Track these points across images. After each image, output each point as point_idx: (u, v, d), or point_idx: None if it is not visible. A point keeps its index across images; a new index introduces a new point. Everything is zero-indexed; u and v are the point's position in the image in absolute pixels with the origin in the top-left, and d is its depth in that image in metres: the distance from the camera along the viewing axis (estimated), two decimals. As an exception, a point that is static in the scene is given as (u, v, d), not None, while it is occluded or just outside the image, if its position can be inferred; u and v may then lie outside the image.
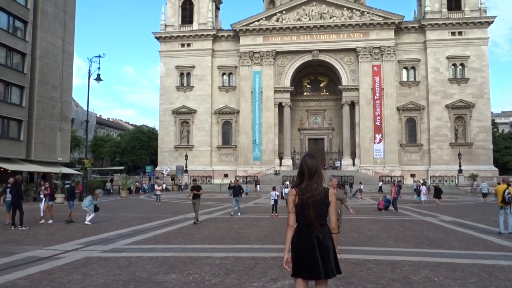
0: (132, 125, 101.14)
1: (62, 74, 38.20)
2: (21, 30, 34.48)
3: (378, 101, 57.24)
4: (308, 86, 66.58)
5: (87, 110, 35.66)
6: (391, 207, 22.89)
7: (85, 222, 16.07)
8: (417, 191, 32.97)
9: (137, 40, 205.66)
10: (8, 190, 16.02)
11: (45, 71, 36.24)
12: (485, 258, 9.28)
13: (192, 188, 17.47)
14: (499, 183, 18.86)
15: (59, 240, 11.83)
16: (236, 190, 20.23)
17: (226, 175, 58.73)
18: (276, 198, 19.59)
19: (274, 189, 20.37)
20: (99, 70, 32.58)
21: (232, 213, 19.55)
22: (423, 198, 29.35)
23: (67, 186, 27.34)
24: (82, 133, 72.52)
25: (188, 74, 62.33)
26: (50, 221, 16.71)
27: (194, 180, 19.23)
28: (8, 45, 32.71)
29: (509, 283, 7.21)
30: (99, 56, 32.36)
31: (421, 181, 39.26)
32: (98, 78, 32.84)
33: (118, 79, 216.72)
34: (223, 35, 62.18)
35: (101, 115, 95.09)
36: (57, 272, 7.51)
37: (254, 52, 59.63)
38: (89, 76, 32.88)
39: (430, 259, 9.01)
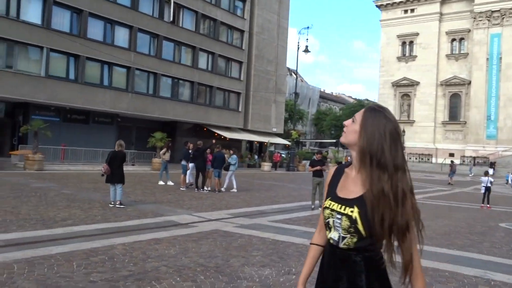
0: (354, 99, 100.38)
1: (277, 48, 39.68)
2: (240, 8, 37.00)
3: None
4: None
5: (295, 82, 36.18)
6: None
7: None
8: None
9: (362, 11, 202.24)
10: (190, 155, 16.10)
11: (261, 47, 38.25)
12: None
13: (313, 163, 12.37)
14: None
15: (218, 207, 11.64)
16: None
17: (451, 155, 52.19)
18: (490, 185, 15.52)
19: (486, 174, 16.20)
20: (307, 41, 32.45)
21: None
22: None
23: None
24: (306, 107, 75.94)
25: (411, 42, 57.33)
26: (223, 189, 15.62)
27: (319, 152, 13.27)
28: (229, 23, 35.54)
29: None
30: (307, 27, 32.21)
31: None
32: (306, 50, 32.78)
33: (346, 54, 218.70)
34: (453, -5, 54.55)
35: (324, 90, 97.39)
36: (163, 242, 6.94)
37: (492, 11, 50.39)
38: (298, 49, 33.09)
39: None
